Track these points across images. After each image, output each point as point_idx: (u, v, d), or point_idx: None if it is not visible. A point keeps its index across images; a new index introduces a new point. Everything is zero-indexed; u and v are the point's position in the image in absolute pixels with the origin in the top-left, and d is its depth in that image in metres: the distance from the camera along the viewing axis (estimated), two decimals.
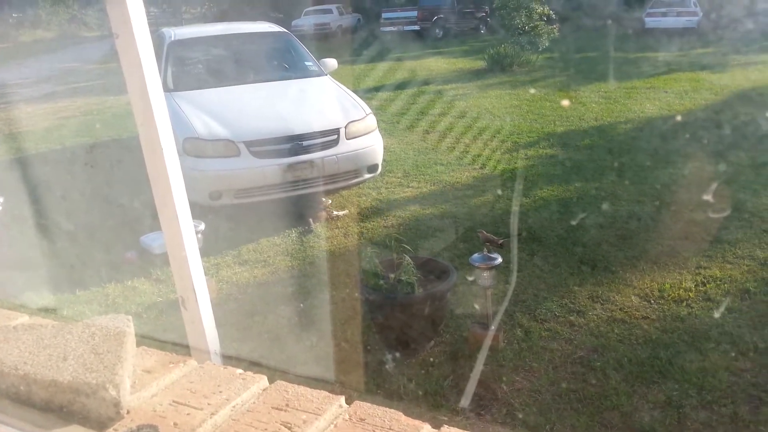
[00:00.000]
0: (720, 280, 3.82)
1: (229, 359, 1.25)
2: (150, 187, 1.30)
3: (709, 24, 18.25)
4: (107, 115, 10.68)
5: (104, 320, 0.93)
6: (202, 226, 4.49)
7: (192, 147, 5.11)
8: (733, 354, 3.08)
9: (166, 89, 5.79)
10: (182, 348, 1.28)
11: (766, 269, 3.94)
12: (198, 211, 4.55)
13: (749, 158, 6.18)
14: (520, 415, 2.74)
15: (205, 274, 1.35)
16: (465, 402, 2.85)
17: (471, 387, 2.95)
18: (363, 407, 0.77)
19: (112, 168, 7.08)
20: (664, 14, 19.20)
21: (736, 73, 11.65)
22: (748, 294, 3.64)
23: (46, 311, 3.88)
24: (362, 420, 0.74)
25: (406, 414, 0.73)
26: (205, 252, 4.33)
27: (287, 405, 0.78)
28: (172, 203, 1.27)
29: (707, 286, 3.78)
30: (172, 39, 6.71)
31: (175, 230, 1.28)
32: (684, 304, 3.60)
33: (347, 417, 0.76)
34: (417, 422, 0.72)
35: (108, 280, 4.27)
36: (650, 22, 19.23)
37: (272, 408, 0.78)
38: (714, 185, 5.69)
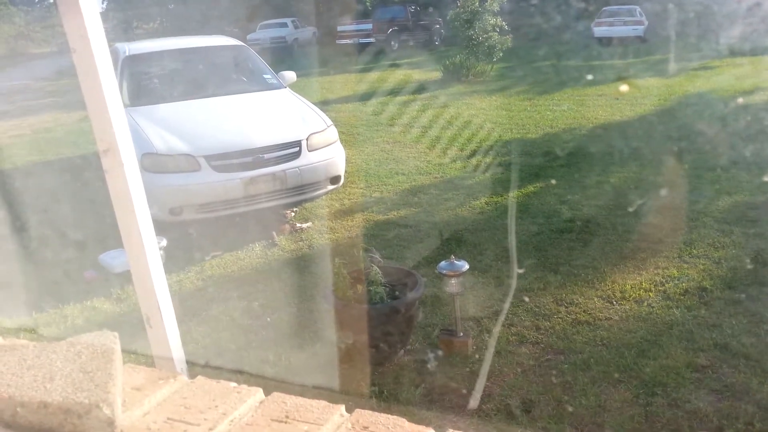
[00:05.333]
0: (678, 280, 3.94)
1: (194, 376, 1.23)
2: (108, 203, 1.27)
3: (654, 32, 18.92)
4: (60, 132, 10.40)
5: (90, 338, 0.90)
6: (164, 242, 4.42)
7: (151, 162, 5.02)
8: (694, 351, 3.18)
9: (122, 105, 5.68)
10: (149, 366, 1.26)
11: (721, 268, 4.09)
12: (159, 226, 4.46)
13: (699, 160, 6.41)
14: (494, 418, 2.77)
15: (169, 290, 1.32)
16: (429, 407, 2.86)
17: (440, 393, 2.97)
18: (365, 415, 0.77)
19: (67, 186, 6.89)
20: (612, 24, 19.83)
21: (682, 79, 12.09)
22: (705, 292, 3.77)
23: (23, 331, 3.75)
24: (366, 428, 0.74)
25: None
26: (168, 268, 4.25)
27: (287, 417, 0.78)
28: (134, 220, 1.25)
29: (666, 285, 3.89)
30: (127, 54, 6.60)
31: (139, 248, 1.26)
32: (645, 304, 3.70)
33: (350, 426, 0.75)
34: (422, 427, 0.73)
35: (66, 300, 4.15)
36: (598, 31, 19.84)
37: (272, 420, 0.77)
38: (667, 187, 5.88)
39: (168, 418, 0.81)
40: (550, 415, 2.77)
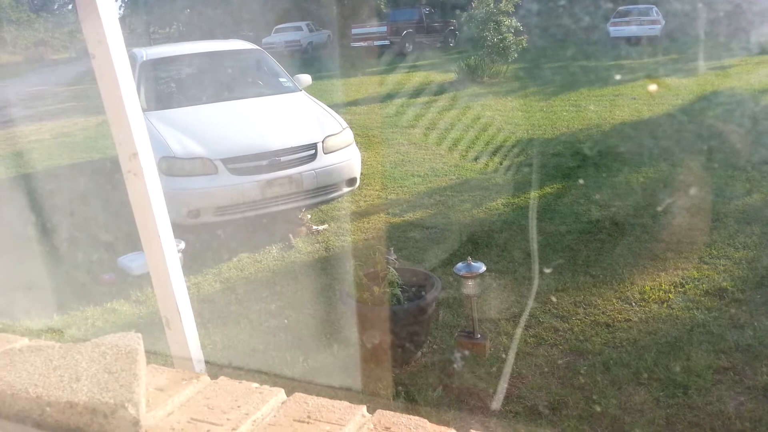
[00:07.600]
0: (698, 281, 3.90)
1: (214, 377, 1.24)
2: (126, 207, 1.28)
3: (671, 32, 18.75)
4: (79, 137, 10.53)
5: (114, 339, 0.91)
6: (182, 245, 4.46)
7: (168, 166, 5.07)
8: (716, 353, 3.14)
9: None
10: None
11: (741, 268, 4.04)
12: (176, 229, 4.51)
13: (716, 160, 6.34)
14: (514, 419, 2.75)
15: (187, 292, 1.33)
16: (448, 408, 2.85)
17: (459, 394, 2.96)
18: (386, 416, 0.77)
19: (86, 189, 6.97)
20: (628, 23, 19.67)
21: (699, 79, 11.96)
22: (726, 293, 3.72)
23: (47, 333, 3.80)
24: (387, 429, 0.74)
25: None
26: (186, 270, 4.28)
27: (309, 417, 0.78)
28: (153, 224, 1.26)
29: (686, 286, 3.85)
30: (144, 59, 6.66)
31: (157, 251, 1.28)
32: (665, 305, 3.66)
33: (372, 426, 0.75)
34: (443, 428, 0.73)
35: (86, 303, 4.19)
36: (614, 31, 19.69)
37: (294, 420, 0.78)
38: (685, 187, 5.82)
39: (191, 419, 0.82)
40: (571, 416, 2.75)
